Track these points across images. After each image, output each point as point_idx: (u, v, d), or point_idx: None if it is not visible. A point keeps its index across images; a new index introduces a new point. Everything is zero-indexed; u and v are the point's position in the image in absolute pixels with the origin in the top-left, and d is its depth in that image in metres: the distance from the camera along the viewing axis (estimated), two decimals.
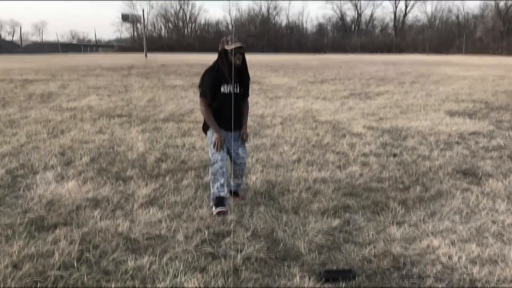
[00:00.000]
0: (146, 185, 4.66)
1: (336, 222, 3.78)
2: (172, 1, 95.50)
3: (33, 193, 4.43)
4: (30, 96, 12.08)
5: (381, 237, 3.52)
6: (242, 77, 4.00)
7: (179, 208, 4.07)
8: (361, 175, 5.13)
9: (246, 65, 4.02)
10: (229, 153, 4.11)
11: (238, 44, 3.83)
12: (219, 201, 3.93)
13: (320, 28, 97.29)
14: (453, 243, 3.41)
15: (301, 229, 3.66)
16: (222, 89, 3.91)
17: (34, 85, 14.98)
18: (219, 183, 3.94)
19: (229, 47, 3.84)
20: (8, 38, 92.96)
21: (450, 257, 3.17)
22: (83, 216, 3.86)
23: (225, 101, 3.89)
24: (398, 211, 4.05)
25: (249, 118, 8.62)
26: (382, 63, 34.74)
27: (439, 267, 3.07)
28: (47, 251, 3.19)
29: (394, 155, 6.03)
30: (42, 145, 6.41)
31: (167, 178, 4.93)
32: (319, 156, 5.94)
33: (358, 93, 13.32)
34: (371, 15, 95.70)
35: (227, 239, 3.44)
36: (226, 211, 3.91)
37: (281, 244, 3.39)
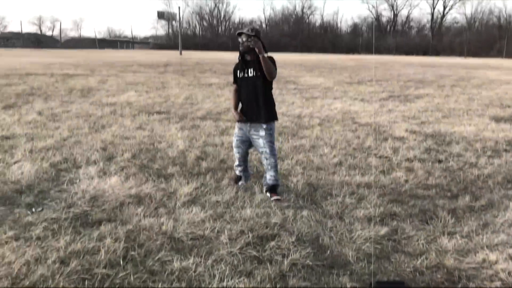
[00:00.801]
0: (188, 183, 4.63)
1: (383, 230, 3.65)
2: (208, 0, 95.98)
3: (77, 188, 4.46)
4: (71, 90, 12.32)
5: (432, 248, 3.37)
6: (259, 62, 4.19)
7: (221, 208, 4.02)
8: (406, 181, 4.97)
9: (265, 48, 4.20)
10: (254, 145, 4.47)
11: (240, 31, 4.26)
12: (234, 176, 4.72)
13: (355, 28, 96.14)
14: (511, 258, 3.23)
15: (348, 236, 3.55)
16: (239, 74, 4.36)
17: (74, 80, 15.29)
18: (236, 163, 4.63)
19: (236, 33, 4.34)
20: (48, 33, 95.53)
21: (510, 274, 3.00)
22: (127, 213, 3.86)
23: (242, 86, 4.36)
24: (448, 221, 3.88)
25: (286, 118, 8.58)
26: (419, 65, 34.01)
27: (498, 283, 2.91)
28: (93, 248, 3.19)
29: (439, 161, 5.83)
30: (84, 139, 6.49)
31: (207, 177, 4.90)
32: (361, 159, 5.79)
33: (397, 95, 13.03)
34: (408, 16, 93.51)
35: (272, 243, 3.36)
36: (241, 184, 4.59)
37: (328, 251, 3.29)
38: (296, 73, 21.56)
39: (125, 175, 4.88)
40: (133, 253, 3.15)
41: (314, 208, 4.12)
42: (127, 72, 19.49)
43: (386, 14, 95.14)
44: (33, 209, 3.89)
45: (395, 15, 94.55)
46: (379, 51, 76.12)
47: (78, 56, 36.95)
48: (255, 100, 4.30)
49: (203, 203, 4.13)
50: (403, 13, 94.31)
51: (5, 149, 5.78)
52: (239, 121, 4.40)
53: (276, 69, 4.28)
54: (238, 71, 4.37)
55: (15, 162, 5.22)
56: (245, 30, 4.26)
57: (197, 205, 4.07)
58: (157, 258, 3.09)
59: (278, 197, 4.26)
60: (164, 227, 3.57)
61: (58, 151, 5.77)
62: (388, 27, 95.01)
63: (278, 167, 4.65)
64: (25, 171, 4.89)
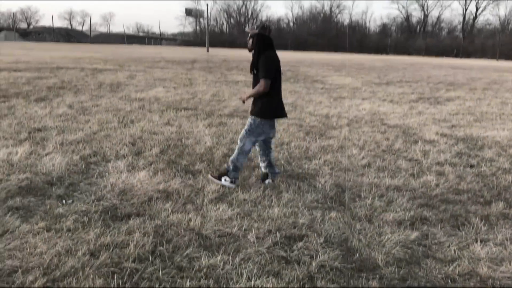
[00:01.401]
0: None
1: (414, 234, 3.57)
2: None
3: (106, 181, 4.51)
4: (100, 85, 12.51)
5: (465, 255, 3.28)
6: (254, 61, 4.33)
7: (249, 206, 4.01)
8: (437, 185, 4.86)
9: (256, 52, 4.31)
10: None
11: (247, 30, 4.42)
12: (262, 175, 4.78)
13: (384, 28, 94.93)
14: None
15: (377, 239, 3.48)
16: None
17: (104, 74, 15.52)
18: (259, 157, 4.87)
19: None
20: (78, 28, 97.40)
21: None
22: (155, 208, 3.88)
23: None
24: (481, 228, 3.77)
25: (314, 118, 8.52)
26: (450, 67, 33.36)
27: None
28: (122, 241, 3.22)
29: (471, 166, 5.68)
30: (113, 133, 6.56)
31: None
32: (390, 162, 5.70)
33: (427, 97, 12.79)
34: (438, 17, 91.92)
35: (300, 244, 3.33)
36: (268, 183, 4.63)
37: (357, 254, 3.24)
38: (323, 73, 21.41)
39: (153, 170, 4.91)
40: (161, 248, 3.16)
41: (342, 209, 4.07)
42: (155, 68, 19.68)
43: (416, 14, 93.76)
44: (64, 201, 3.95)
45: (426, 16, 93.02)
46: (408, 52, 74.91)
47: (107, 51, 37.51)
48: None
49: (231, 200, 4.12)
50: (434, 13, 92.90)
51: (37, 141, 5.89)
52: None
53: (263, 72, 4.24)
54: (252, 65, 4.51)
55: (46, 154, 5.31)
56: (248, 29, 4.41)
57: (225, 202, 4.06)
58: (185, 254, 3.09)
59: (214, 179, 4.54)
60: (192, 223, 3.57)
61: (88, 145, 5.85)
62: (418, 27, 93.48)
63: (242, 164, 4.58)
64: (56, 163, 4.97)
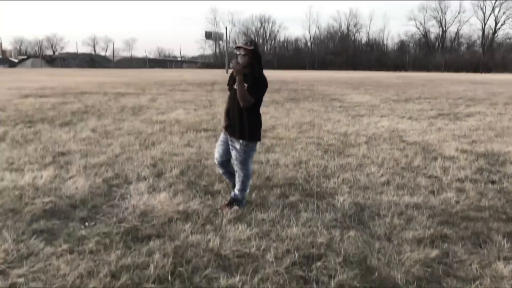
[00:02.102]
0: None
1: (434, 252, 3.54)
2: (254, 19, 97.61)
3: (127, 203, 4.60)
4: (123, 108, 12.77)
5: (487, 273, 3.24)
6: (247, 76, 4.18)
7: (267, 226, 4.03)
8: (457, 202, 4.81)
9: (254, 67, 4.19)
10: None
11: (239, 44, 4.20)
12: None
13: (402, 45, 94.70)
14: None
15: (396, 258, 3.46)
16: (232, 81, 4.35)
17: (126, 98, 15.85)
18: (220, 172, 4.78)
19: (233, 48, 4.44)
20: (102, 53, 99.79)
21: None
22: (175, 229, 3.94)
23: (231, 95, 4.41)
24: (504, 245, 3.72)
25: (332, 136, 8.53)
26: (470, 82, 33.01)
27: None
28: (142, 262, 3.27)
29: (493, 182, 5.60)
30: (135, 156, 6.70)
31: (253, 195, 4.92)
32: (409, 179, 5.66)
33: (446, 113, 12.68)
34: (457, 32, 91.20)
35: (318, 263, 3.33)
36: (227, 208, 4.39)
37: (376, 273, 3.23)
38: (341, 91, 21.43)
39: (173, 191, 4.99)
40: (181, 269, 3.20)
41: (361, 228, 4.06)
42: (176, 91, 20.01)
43: (434, 30, 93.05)
44: (86, 223, 4.04)
45: (444, 32, 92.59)
46: (427, 68, 74.40)
47: (130, 75, 38.29)
48: (239, 115, 4.32)
49: (249, 220, 4.16)
50: (452, 29, 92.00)
51: (61, 165, 6.05)
52: (223, 127, 4.55)
53: (257, 93, 4.23)
54: (232, 80, 4.36)
55: (70, 177, 5.45)
56: (241, 43, 4.22)
57: (243, 222, 4.10)
58: (204, 274, 3.13)
59: (228, 210, 4.38)
60: (211, 244, 3.61)
61: (111, 167, 5.98)
62: (437, 43, 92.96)
63: (250, 185, 4.64)
64: (79, 186, 5.09)
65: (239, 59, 4.15)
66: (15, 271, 3.12)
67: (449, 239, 3.85)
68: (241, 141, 4.34)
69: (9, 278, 3.02)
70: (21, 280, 3.01)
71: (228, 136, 4.45)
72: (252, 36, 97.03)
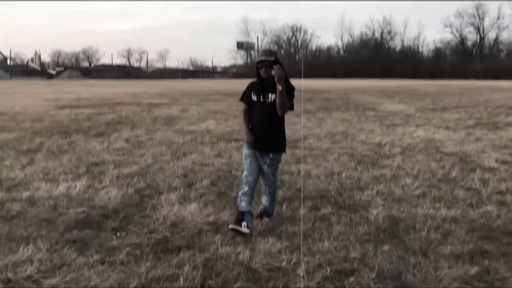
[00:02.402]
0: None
1: (473, 269, 3.38)
2: (285, 28, 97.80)
3: (158, 214, 4.61)
4: (155, 119, 12.95)
5: None
6: (274, 89, 4.04)
7: (298, 239, 3.95)
8: (498, 216, 4.60)
9: (283, 78, 3.98)
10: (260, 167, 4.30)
11: (261, 58, 4.09)
12: (236, 217, 4.06)
13: (438, 52, 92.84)
14: None
15: (433, 274, 3.32)
16: (253, 97, 4.23)
17: (159, 109, 16.08)
18: (242, 191, 4.15)
19: (257, 60, 4.18)
20: (136, 64, 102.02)
21: None
22: (205, 240, 3.91)
23: (256, 110, 4.21)
24: None
25: (365, 147, 8.38)
26: (510, 90, 31.95)
27: None
28: (172, 275, 3.25)
29: None
30: (167, 166, 6.74)
31: (284, 206, 4.86)
32: (446, 191, 5.47)
33: (485, 122, 12.28)
34: (496, 39, 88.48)
35: (351, 279, 3.23)
36: (241, 232, 3.92)
37: None
38: (375, 100, 21.12)
39: (204, 202, 4.97)
40: (210, 282, 3.17)
41: (396, 242, 3.92)
42: (207, 101, 20.18)
43: (472, 37, 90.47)
44: (118, 234, 4.06)
45: (482, 38, 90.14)
46: (464, 76, 72.58)
47: (163, 86, 38.95)
48: (269, 128, 4.19)
49: (280, 233, 4.09)
50: (491, 35, 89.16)
51: (94, 175, 6.14)
52: (248, 143, 4.29)
53: (292, 100, 4.11)
54: (253, 93, 4.22)
55: (103, 188, 5.52)
56: (263, 57, 4.09)
57: (274, 235, 4.03)
58: None
59: (259, 221, 4.34)
60: (241, 257, 3.56)
61: (143, 178, 6.03)
62: (474, 50, 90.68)
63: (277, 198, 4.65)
64: (111, 196, 5.15)
65: (262, 73, 4.09)
66: (48, 281, 3.16)
67: (490, 255, 3.67)
68: (273, 154, 4.25)
69: None
70: None
71: (257, 152, 4.25)
72: (271, 46, 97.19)
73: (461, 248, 3.76)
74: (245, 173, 4.23)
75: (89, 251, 3.67)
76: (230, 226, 3.98)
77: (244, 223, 3.94)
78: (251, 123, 4.28)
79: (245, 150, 4.34)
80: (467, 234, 4.10)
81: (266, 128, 4.19)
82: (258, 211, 4.50)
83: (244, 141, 4.42)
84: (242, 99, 4.37)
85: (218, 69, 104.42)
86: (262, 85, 4.15)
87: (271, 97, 4.11)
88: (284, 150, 4.37)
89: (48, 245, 3.73)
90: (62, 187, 5.45)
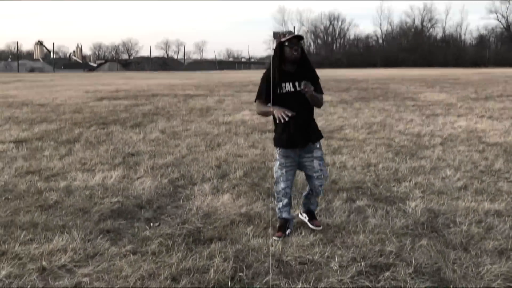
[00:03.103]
0: (297, 203, 4.53)
1: None
2: (322, 17, 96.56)
3: (191, 204, 4.61)
4: (191, 110, 13.03)
5: None
6: (305, 73, 3.61)
7: (332, 232, 3.86)
8: None
9: (308, 61, 3.67)
10: (304, 169, 3.83)
11: (294, 34, 3.59)
12: (281, 224, 3.85)
13: (481, 40, 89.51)
14: None
15: (474, 270, 3.16)
16: (278, 90, 3.58)
17: (195, 100, 16.18)
18: (281, 204, 3.86)
19: (285, 38, 3.57)
20: (174, 56, 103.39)
21: None
22: (237, 232, 3.87)
23: (286, 102, 3.55)
24: None
25: (404, 137, 8.13)
26: None
27: None
28: (202, 266, 3.22)
29: None
30: (201, 157, 6.74)
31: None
32: (489, 184, 5.22)
33: None
34: None
35: (386, 274, 3.11)
36: (284, 235, 3.74)
37: (451, 287, 2.95)
38: (415, 89, 20.54)
39: (236, 193, 4.93)
40: (241, 274, 3.12)
41: (434, 236, 3.76)
42: (242, 92, 20.16)
43: None
44: (151, 224, 4.08)
45: None
46: (510, 64, 69.72)
47: (199, 77, 39.25)
48: (307, 119, 3.70)
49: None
50: None
51: (130, 166, 6.21)
52: (280, 114, 3.44)
53: (322, 92, 3.71)
54: (279, 85, 3.58)
55: (138, 178, 5.57)
56: (293, 33, 3.60)
57: (306, 227, 3.95)
58: (264, 281, 3.02)
59: (320, 226, 3.90)
60: (272, 249, 3.50)
61: (177, 168, 6.05)
62: None
63: None
64: (146, 186, 5.18)
65: (293, 53, 3.53)
66: (81, 270, 3.19)
67: None
68: (319, 143, 3.81)
69: (75, 277, 3.09)
70: (86, 279, 3.06)
71: (298, 150, 3.72)
72: (321, 35, 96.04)
73: (504, 244, 3.57)
74: (282, 185, 3.78)
75: (122, 241, 3.69)
76: (275, 237, 3.70)
77: (288, 231, 3.81)
78: (279, 122, 3.53)
79: (280, 159, 3.77)
80: (511, 229, 3.89)
81: (305, 119, 3.68)
82: (305, 215, 4.05)
83: (277, 146, 3.80)
84: (259, 98, 3.70)
85: (254, 60, 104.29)
86: (286, 71, 3.59)
87: (299, 84, 3.57)
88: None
89: (82, 235, 3.77)
90: (98, 177, 5.54)
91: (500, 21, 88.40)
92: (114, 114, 12.06)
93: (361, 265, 3.23)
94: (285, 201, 3.84)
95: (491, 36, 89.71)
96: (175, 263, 3.26)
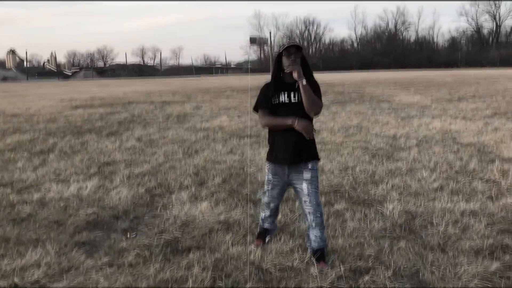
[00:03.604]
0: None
1: (494, 265, 3.24)
2: (298, 22, 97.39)
3: (169, 213, 4.54)
4: (168, 117, 12.92)
5: None
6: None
7: None
8: None
9: (309, 71, 3.28)
10: (294, 190, 3.44)
11: (290, 43, 3.23)
12: (260, 232, 3.82)
13: (453, 42, 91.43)
14: None
15: (452, 271, 3.19)
16: (275, 99, 3.28)
17: (172, 107, 16.05)
18: (263, 215, 3.73)
19: (283, 47, 3.25)
20: (150, 63, 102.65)
21: None
22: (216, 240, 3.83)
23: (281, 114, 3.25)
24: None
25: (380, 139, 8.21)
26: None
27: None
28: (181, 277, 3.17)
29: None
30: (178, 164, 6.67)
31: (296, 203, 4.74)
32: (464, 184, 5.30)
33: (503, 112, 11.98)
34: None
35: (366, 278, 3.12)
36: (263, 243, 3.71)
37: None
38: (390, 92, 20.81)
39: (215, 201, 4.89)
40: (220, 283, 3.08)
41: (412, 238, 3.79)
42: (220, 98, 20.11)
43: (488, 25, 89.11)
44: (128, 235, 4.00)
45: (498, 26, 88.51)
46: (481, 65, 71.35)
47: (176, 84, 39.02)
48: (300, 134, 3.25)
49: (292, 231, 3.98)
50: (508, 23, 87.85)
51: (105, 175, 6.10)
52: (295, 124, 3.17)
53: (321, 100, 3.28)
54: (276, 95, 3.29)
55: (113, 188, 5.47)
56: (292, 42, 3.26)
57: (286, 233, 3.93)
58: None
59: (327, 267, 3.27)
60: (252, 256, 3.47)
61: (154, 177, 5.97)
62: (490, 39, 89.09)
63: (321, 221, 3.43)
64: (122, 196, 5.10)
65: (290, 62, 3.19)
66: (55, 285, 3.11)
67: (511, 250, 3.52)
68: (312, 163, 3.34)
69: None
70: None
71: (287, 169, 3.34)
72: (297, 39, 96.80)
73: (480, 243, 3.62)
74: (266, 200, 3.58)
75: (98, 253, 3.61)
76: (253, 246, 3.64)
77: (268, 238, 3.77)
78: (273, 136, 3.35)
79: (268, 175, 3.48)
80: (486, 228, 3.95)
81: (298, 133, 3.25)
82: (311, 253, 3.43)
83: (267, 160, 3.45)
84: (258, 107, 3.37)
85: (232, 65, 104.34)
86: (283, 81, 3.30)
87: (297, 97, 3.26)
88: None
89: (57, 248, 3.68)
90: (73, 188, 5.42)
91: (470, 24, 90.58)
92: (89, 123, 11.88)
93: (340, 269, 3.22)
94: (268, 213, 3.67)
95: (462, 38, 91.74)
96: (153, 275, 3.20)
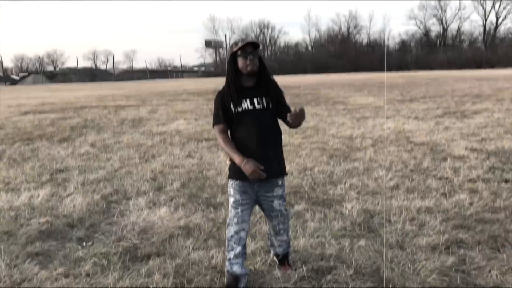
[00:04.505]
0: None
1: (450, 260, 3.33)
2: (253, 25, 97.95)
3: (127, 220, 4.42)
4: (123, 121, 12.63)
5: (508, 280, 3.03)
6: (266, 87, 2.97)
7: None
8: (470, 204, 4.59)
9: (268, 73, 3.01)
10: (261, 207, 3.13)
11: (247, 41, 2.87)
12: (229, 282, 2.99)
13: (403, 44, 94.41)
14: None
15: (411, 267, 3.26)
16: (235, 107, 2.91)
17: (126, 111, 15.71)
18: (233, 253, 2.97)
19: (237, 47, 2.90)
20: (102, 67, 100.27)
21: None
22: (176, 245, 3.75)
23: (243, 124, 2.91)
24: None
25: (337, 140, 8.33)
26: (474, 79, 32.70)
27: None
28: (141, 284, 3.09)
29: (506, 181, 5.39)
30: (135, 170, 6.52)
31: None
32: (419, 182, 5.45)
33: (453, 111, 12.45)
34: (458, 29, 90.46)
35: (328, 277, 3.13)
36: None
37: (390, 285, 3.02)
38: (344, 93, 21.23)
39: (174, 206, 4.80)
40: None
41: (372, 236, 3.85)
42: (176, 101, 19.88)
43: (435, 28, 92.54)
44: (84, 244, 3.86)
45: (445, 30, 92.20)
46: (430, 67, 74.05)
47: (130, 88, 38.28)
48: (272, 144, 2.98)
49: (254, 233, 3.96)
50: (453, 26, 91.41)
51: (58, 183, 5.88)
52: (252, 173, 2.79)
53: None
54: (233, 103, 2.91)
55: (67, 195, 5.28)
56: (249, 40, 2.92)
57: (248, 236, 3.90)
58: None
59: (290, 270, 3.23)
60: (214, 261, 3.42)
61: (109, 183, 5.81)
62: (438, 42, 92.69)
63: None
64: (76, 204, 4.92)
65: (247, 64, 2.88)
66: None
67: (465, 244, 3.64)
68: (282, 179, 3.09)
69: None
70: None
71: (257, 186, 2.97)
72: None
73: (436, 239, 3.72)
74: (234, 228, 2.97)
75: (53, 263, 3.46)
76: None
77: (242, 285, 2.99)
78: (240, 148, 2.92)
79: (235, 195, 2.97)
80: (441, 224, 4.07)
81: (268, 145, 2.94)
82: (275, 258, 3.33)
83: (232, 178, 2.99)
84: (217, 122, 2.99)
85: (187, 68, 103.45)
86: (242, 86, 2.94)
87: (264, 101, 2.95)
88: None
89: (8, 260, 3.50)
90: (24, 197, 5.19)
91: (419, 27, 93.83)
92: (40, 128, 11.43)
93: (303, 270, 3.22)
94: (238, 249, 2.97)
95: (412, 41, 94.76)
96: (111, 284, 3.09)
